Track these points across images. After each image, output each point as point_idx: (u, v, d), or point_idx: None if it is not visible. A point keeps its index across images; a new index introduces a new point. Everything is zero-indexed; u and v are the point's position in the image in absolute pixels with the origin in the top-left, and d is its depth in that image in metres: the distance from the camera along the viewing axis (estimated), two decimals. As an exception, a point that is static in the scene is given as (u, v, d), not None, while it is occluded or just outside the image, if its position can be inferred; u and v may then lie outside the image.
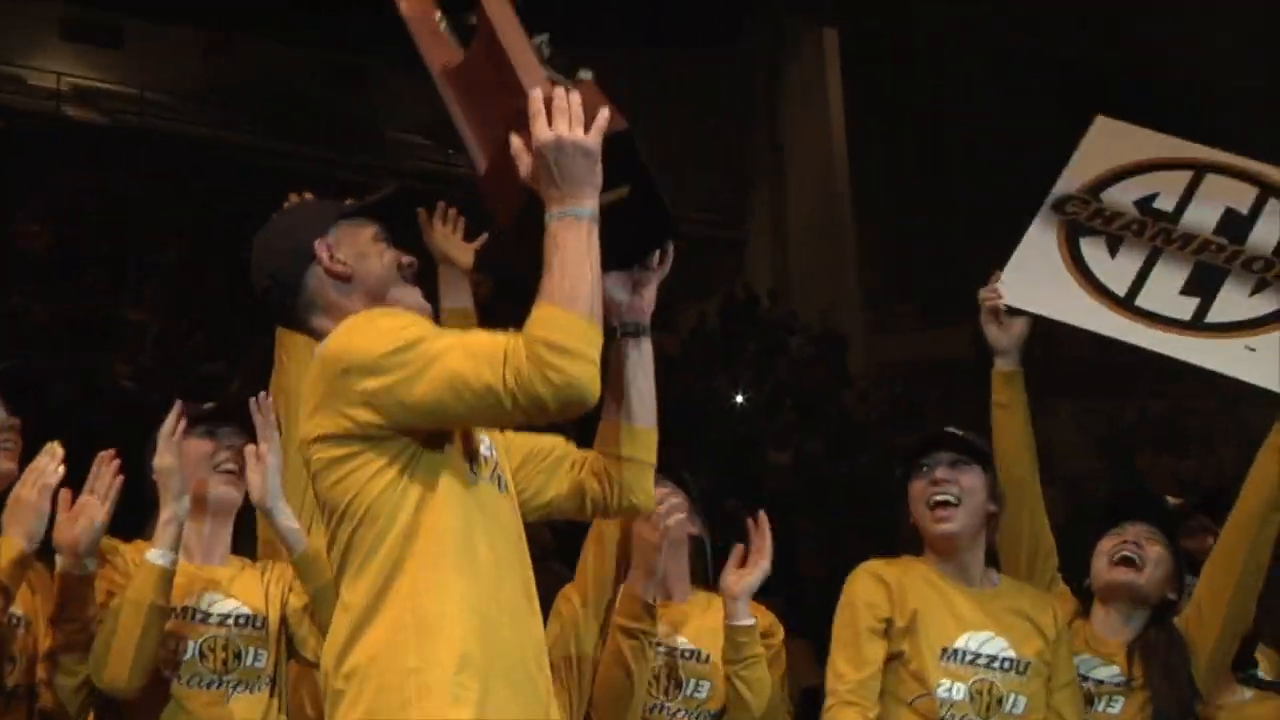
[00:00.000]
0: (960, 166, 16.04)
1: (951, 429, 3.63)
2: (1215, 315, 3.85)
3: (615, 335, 2.79)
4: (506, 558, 2.52)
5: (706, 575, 3.78)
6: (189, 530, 3.30)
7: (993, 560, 3.70)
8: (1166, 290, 3.87)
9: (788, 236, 19.47)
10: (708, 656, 3.63)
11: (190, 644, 3.31)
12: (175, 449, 3.25)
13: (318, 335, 2.62)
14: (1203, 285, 3.89)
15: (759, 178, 20.00)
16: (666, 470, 3.64)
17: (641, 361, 2.81)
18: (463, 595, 2.42)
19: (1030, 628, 3.51)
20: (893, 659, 3.48)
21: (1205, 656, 3.63)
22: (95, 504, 3.19)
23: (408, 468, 2.46)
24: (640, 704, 3.54)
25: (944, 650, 3.46)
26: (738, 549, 3.57)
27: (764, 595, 3.65)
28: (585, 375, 2.36)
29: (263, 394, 3.40)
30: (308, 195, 3.75)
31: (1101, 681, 3.64)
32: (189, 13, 17.00)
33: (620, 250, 2.55)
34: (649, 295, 2.83)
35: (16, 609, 3.24)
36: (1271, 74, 13.66)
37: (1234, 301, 3.86)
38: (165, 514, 3.22)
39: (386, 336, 2.45)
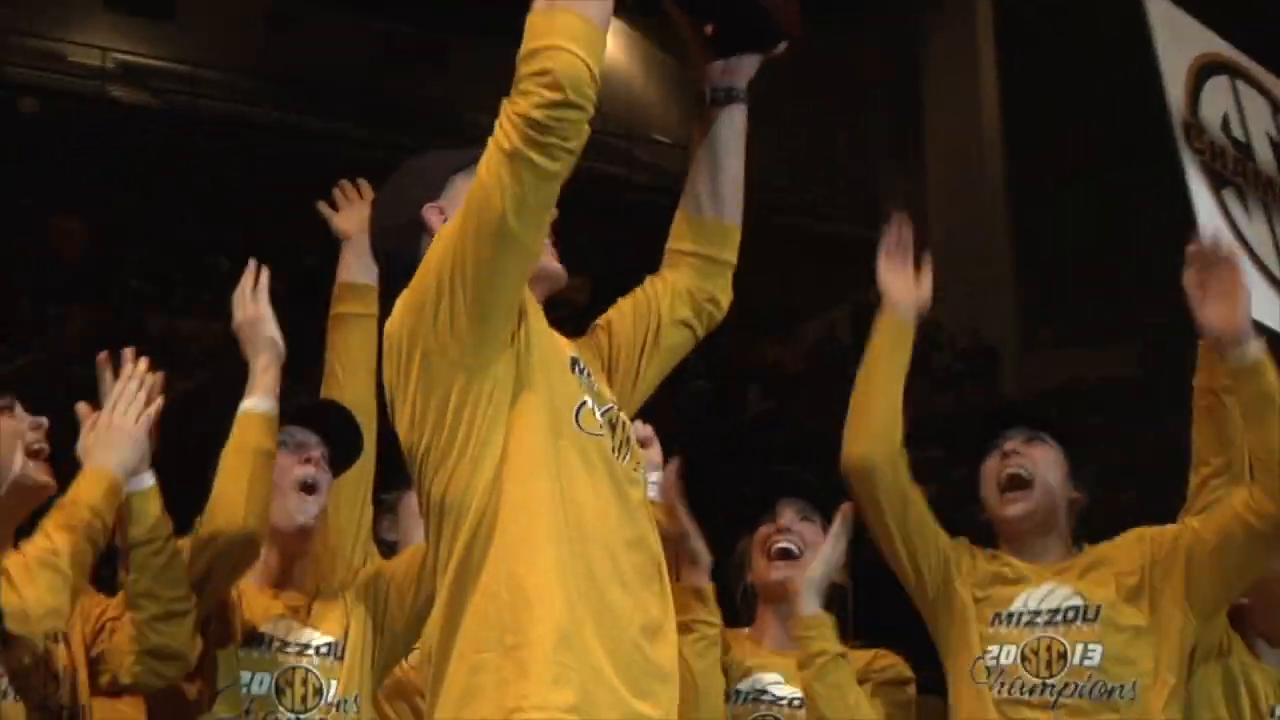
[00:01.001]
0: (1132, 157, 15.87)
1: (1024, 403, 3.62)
2: None
3: (704, 103, 2.68)
4: (614, 518, 2.46)
5: (844, 627, 3.83)
6: (262, 556, 3.37)
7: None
8: None
9: (929, 236, 19.30)
10: None
11: (266, 677, 3.32)
12: (255, 300, 3.41)
13: None
14: None
15: (893, 169, 19.94)
16: (824, 510, 3.71)
17: (734, 139, 2.69)
18: (559, 561, 2.38)
19: (1107, 572, 3.44)
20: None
21: None
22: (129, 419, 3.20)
23: (500, 427, 2.39)
24: (721, 698, 3.50)
25: (995, 615, 3.45)
26: None
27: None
28: (560, 62, 2.29)
29: None
30: (362, 183, 3.86)
31: None
32: (249, -20, 17.33)
33: (722, 46, 2.59)
34: (750, 60, 2.71)
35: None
36: None
37: None
38: (261, 361, 3.35)
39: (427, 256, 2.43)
